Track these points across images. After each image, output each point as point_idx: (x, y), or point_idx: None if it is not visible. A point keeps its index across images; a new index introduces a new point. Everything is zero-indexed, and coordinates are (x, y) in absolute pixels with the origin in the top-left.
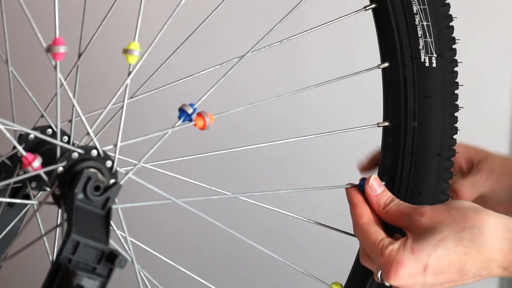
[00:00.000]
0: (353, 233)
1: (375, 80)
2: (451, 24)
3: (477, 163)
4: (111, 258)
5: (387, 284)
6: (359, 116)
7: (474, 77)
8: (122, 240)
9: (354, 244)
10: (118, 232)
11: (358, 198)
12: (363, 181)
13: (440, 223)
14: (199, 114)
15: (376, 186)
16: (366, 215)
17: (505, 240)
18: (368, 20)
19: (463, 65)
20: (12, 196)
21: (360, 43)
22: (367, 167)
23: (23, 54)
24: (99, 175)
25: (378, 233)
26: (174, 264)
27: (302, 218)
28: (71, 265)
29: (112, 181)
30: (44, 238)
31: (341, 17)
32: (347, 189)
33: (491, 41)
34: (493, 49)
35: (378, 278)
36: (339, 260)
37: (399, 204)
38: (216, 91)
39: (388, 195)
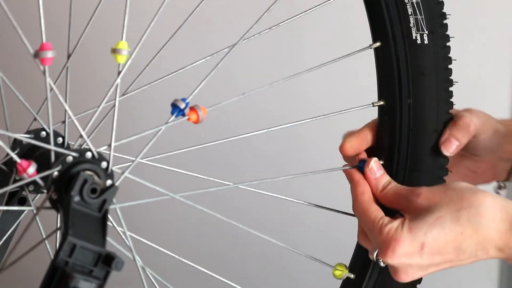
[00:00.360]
0: (351, 212)
1: (372, 74)
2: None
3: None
4: (107, 261)
5: (381, 264)
6: (359, 103)
7: (473, 77)
8: (123, 236)
9: (351, 244)
10: (118, 229)
11: (359, 175)
12: (362, 163)
13: (437, 203)
14: (192, 108)
15: (376, 169)
16: (367, 193)
17: (502, 220)
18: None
19: (462, 65)
20: (10, 198)
21: (356, 24)
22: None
23: (12, 57)
24: (95, 178)
25: (378, 212)
26: (177, 256)
27: (302, 202)
28: (68, 268)
29: (108, 182)
30: (46, 242)
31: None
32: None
33: (490, 41)
34: (492, 49)
35: (373, 257)
36: (339, 255)
37: (396, 186)
38: (209, 83)
39: (386, 178)
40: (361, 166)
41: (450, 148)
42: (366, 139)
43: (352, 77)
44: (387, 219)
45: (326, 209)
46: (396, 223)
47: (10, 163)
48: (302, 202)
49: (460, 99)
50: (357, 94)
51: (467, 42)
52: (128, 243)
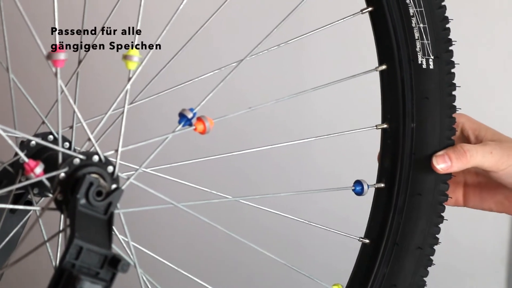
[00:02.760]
0: (354, 236)
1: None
2: (447, 26)
3: (482, 137)
4: (114, 263)
5: None
6: (363, 119)
7: (480, 79)
8: (125, 245)
9: (357, 247)
10: (120, 237)
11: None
12: (358, 184)
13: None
14: (199, 119)
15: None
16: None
17: None
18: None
19: (470, 67)
20: (14, 203)
21: (363, 45)
22: None
23: (24, 61)
24: (101, 181)
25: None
26: (176, 268)
27: (302, 220)
28: (75, 270)
29: (113, 186)
30: (47, 244)
31: (338, 21)
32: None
33: (497, 44)
34: (499, 52)
35: None
36: (343, 262)
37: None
38: (216, 95)
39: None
40: (356, 187)
41: (439, 161)
42: None
43: (359, 81)
44: None
45: (332, 231)
46: None
47: (17, 164)
48: (302, 220)
49: (467, 102)
50: (361, 97)
51: (474, 46)
52: (132, 257)
